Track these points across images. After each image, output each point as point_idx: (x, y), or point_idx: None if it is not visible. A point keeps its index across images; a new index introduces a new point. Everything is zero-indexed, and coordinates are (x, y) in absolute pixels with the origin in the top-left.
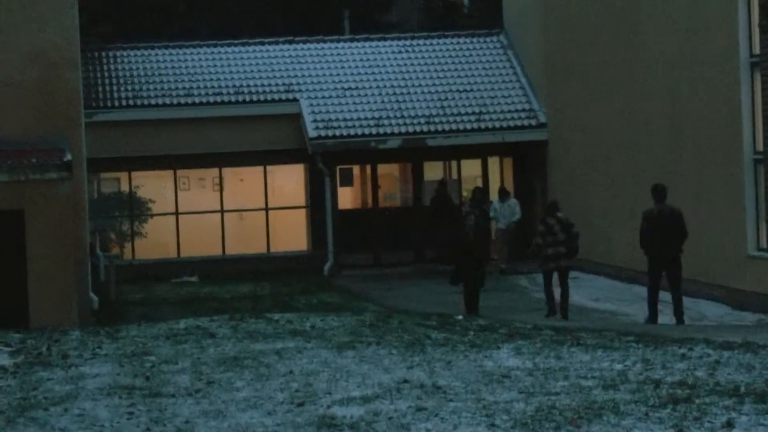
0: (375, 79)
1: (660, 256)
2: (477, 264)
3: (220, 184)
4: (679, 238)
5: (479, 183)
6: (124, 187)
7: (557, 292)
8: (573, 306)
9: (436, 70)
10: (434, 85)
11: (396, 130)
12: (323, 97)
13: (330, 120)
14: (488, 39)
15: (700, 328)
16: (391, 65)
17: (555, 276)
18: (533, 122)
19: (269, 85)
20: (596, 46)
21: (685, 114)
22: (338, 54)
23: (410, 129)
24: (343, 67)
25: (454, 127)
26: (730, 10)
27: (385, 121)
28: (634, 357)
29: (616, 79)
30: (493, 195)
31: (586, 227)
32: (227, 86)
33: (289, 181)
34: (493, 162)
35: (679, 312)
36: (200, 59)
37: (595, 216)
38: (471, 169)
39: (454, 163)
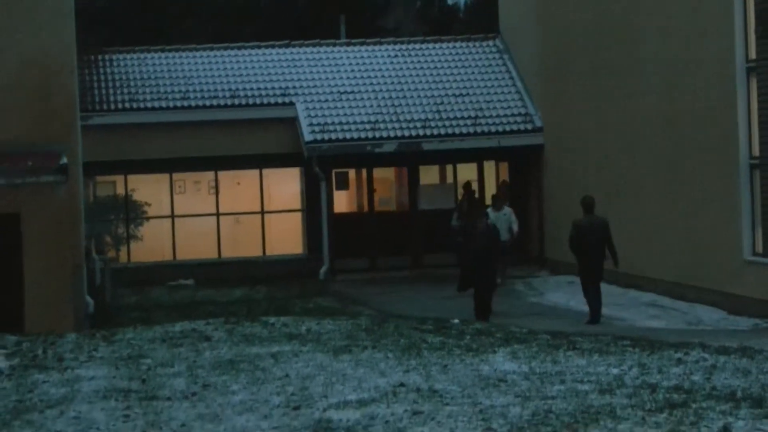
0: (371, 84)
1: (587, 261)
2: (488, 269)
3: (216, 188)
4: (604, 246)
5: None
6: (120, 191)
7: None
8: (570, 310)
9: (432, 75)
10: (430, 89)
11: (392, 134)
12: (319, 101)
13: (326, 124)
14: (484, 44)
15: (697, 332)
16: (387, 69)
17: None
18: (529, 127)
19: (265, 89)
20: (592, 50)
21: (682, 119)
22: (334, 58)
23: (406, 133)
24: (339, 72)
25: (450, 131)
26: (727, 16)
27: (381, 125)
28: (630, 361)
29: (613, 83)
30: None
31: None
32: (223, 90)
33: (285, 185)
34: (489, 166)
35: (595, 315)
36: (196, 63)
37: None
38: (467, 173)
39: (450, 168)
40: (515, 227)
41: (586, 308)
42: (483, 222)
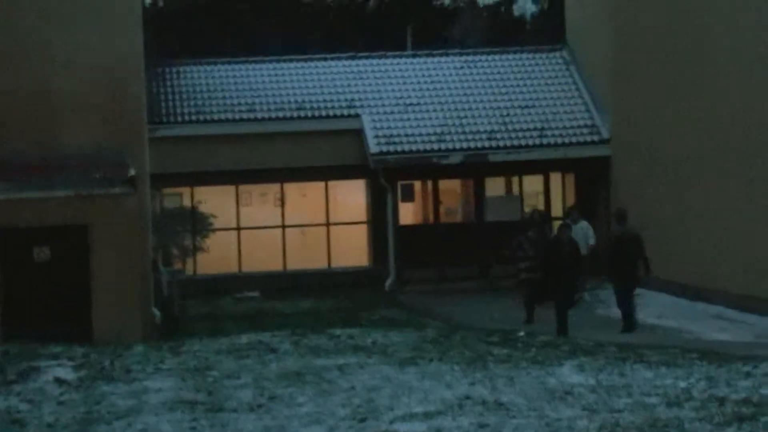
0: (437, 95)
1: (624, 272)
2: (569, 283)
3: (282, 200)
4: (638, 259)
5: (538, 202)
6: (187, 202)
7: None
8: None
9: (498, 86)
10: (496, 101)
11: (458, 145)
12: (385, 113)
13: (392, 135)
14: (550, 54)
15: (765, 345)
16: (453, 81)
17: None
18: (596, 138)
19: (331, 100)
20: (662, 59)
21: (757, 129)
22: (400, 70)
23: (472, 145)
24: (405, 83)
25: (515, 143)
26: None
27: (447, 137)
28: (698, 374)
29: (683, 93)
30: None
31: (651, 243)
32: (289, 102)
33: (351, 197)
34: (555, 178)
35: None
36: (263, 75)
37: (660, 232)
38: (533, 185)
39: (516, 179)
40: (592, 241)
41: (652, 320)
42: (566, 234)
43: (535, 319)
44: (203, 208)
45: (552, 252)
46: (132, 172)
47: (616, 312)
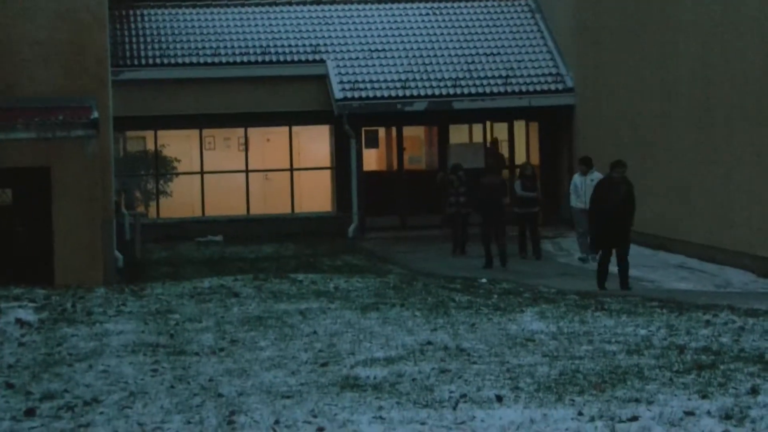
0: (402, 41)
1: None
2: (626, 227)
3: (246, 145)
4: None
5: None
6: (150, 146)
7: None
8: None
9: (463, 33)
10: (461, 48)
11: (422, 92)
12: (350, 59)
13: (356, 82)
14: (516, 2)
15: (725, 294)
16: (419, 27)
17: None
18: (560, 86)
19: (296, 45)
20: (627, 9)
21: (717, 80)
22: (366, 15)
23: (436, 92)
24: (370, 29)
25: (480, 90)
26: None
27: (412, 84)
28: (659, 322)
29: (647, 43)
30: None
31: None
32: (254, 46)
33: (315, 143)
34: (519, 126)
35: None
36: (227, 19)
37: None
38: (497, 133)
39: (479, 127)
40: None
41: (614, 269)
42: (619, 172)
43: (465, 252)
44: (166, 152)
45: (603, 194)
46: (95, 114)
47: (578, 260)
